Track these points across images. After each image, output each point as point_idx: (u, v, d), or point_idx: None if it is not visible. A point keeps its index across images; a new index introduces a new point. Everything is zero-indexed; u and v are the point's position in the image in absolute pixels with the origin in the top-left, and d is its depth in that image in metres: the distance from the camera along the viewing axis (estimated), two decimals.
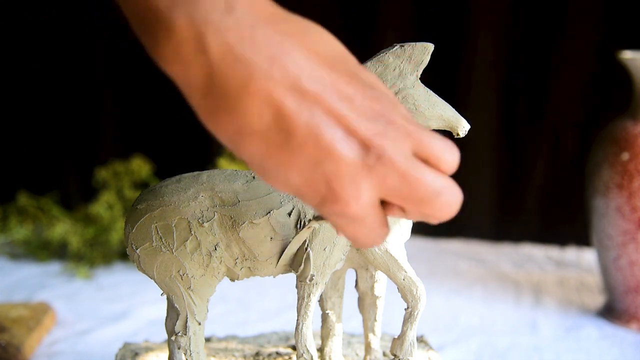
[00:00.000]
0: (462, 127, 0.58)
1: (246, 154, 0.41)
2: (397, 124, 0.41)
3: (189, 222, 0.59)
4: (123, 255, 1.20)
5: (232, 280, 0.63)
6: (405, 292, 0.61)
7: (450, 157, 0.43)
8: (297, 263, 0.61)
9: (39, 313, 0.92)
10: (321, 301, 0.66)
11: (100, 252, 1.19)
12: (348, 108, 0.40)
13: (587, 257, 1.22)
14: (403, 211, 0.43)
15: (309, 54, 0.40)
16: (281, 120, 0.39)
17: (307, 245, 0.60)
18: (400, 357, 0.62)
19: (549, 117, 1.32)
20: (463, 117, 0.58)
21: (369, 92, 0.41)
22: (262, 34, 0.39)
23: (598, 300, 1.02)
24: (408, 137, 0.41)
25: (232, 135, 0.40)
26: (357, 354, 0.70)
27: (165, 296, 0.62)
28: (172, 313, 0.61)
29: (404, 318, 0.62)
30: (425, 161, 0.42)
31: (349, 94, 0.40)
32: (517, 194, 1.37)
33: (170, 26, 0.38)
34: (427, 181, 0.41)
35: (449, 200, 0.42)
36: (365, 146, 0.40)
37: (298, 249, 0.60)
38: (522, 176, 1.36)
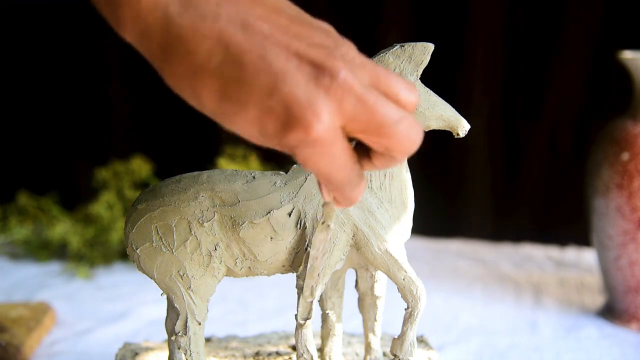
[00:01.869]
0: (463, 127, 0.58)
1: (204, 98, 0.42)
2: (350, 55, 0.42)
3: (189, 222, 0.59)
4: (123, 255, 1.20)
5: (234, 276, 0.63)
6: (405, 292, 0.61)
7: (407, 94, 0.43)
8: (297, 263, 0.61)
9: (39, 313, 0.92)
10: (321, 301, 0.66)
11: (100, 252, 1.19)
12: (297, 40, 0.41)
13: (587, 257, 1.22)
14: (368, 155, 0.44)
15: (255, 2, 0.42)
16: (231, 55, 0.41)
17: (307, 245, 0.60)
18: (400, 357, 0.62)
19: (549, 117, 1.32)
20: (463, 117, 0.58)
21: (320, 32, 0.42)
22: None
23: (598, 300, 1.02)
24: (363, 68, 0.42)
25: (190, 81, 0.41)
26: (357, 354, 0.70)
27: (165, 296, 0.62)
28: (172, 313, 0.61)
29: (404, 318, 0.62)
30: (383, 95, 0.42)
31: (298, 31, 0.42)
32: (517, 194, 1.37)
33: None
34: (386, 109, 0.42)
35: (408, 130, 0.42)
36: (318, 67, 0.41)
37: (298, 249, 0.60)
38: (522, 176, 1.36)
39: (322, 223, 0.49)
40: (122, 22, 0.42)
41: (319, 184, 0.45)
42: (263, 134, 0.42)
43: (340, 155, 0.42)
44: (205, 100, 0.42)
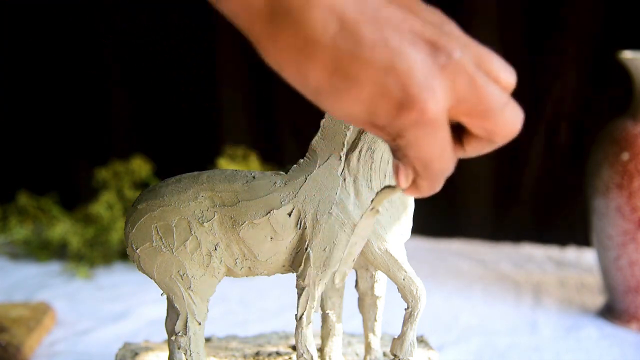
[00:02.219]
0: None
1: (312, 73, 0.39)
2: (456, 34, 0.41)
3: (189, 222, 0.59)
4: (123, 255, 1.20)
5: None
6: (405, 292, 0.61)
7: (508, 75, 0.42)
8: (297, 263, 0.61)
9: (39, 313, 0.92)
10: (321, 301, 0.66)
11: (100, 252, 1.19)
12: (411, 17, 0.40)
13: (587, 257, 1.22)
14: (460, 141, 0.42)
15: None
16: (347, 27, 0.38)
17: (307, 245, 0.60)
18: (400, 357, 0.62)
19: (550, 117, 1.32)
20: None
21: (428, 11, 0.41)
22: None
23: (598, 300, 1.02)
24: (469, 47, 0.41)
25: (297, 54, 0.39)
26: (357, 354, 0.70)
27: (165, 296, 0.62)
28: (172, 313, 0.61)
29: (404, 318, 0.62)
30: (487, 76, 0.41)
31: (410, 7, 0.41)
32: (517, 194, 1.37)
33: None
34: (494, 92, 0.41)
35: (513, 115, 0.41)
36: (434, 46, 0.39)
37: (298, 249, 0.60)
38: (523, 176, 1.36)
39: (372, 209, 0.47)
40: None
41: (398, 167, 0.43)
42: (371, 114, 0.40)
43: (446, 140, 0.41)
44: (313, 75, 0.39)
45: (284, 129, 1.43)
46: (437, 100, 0.39)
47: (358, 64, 0.39)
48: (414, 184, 0.43)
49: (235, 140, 1.36)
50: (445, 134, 0.41)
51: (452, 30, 0.41)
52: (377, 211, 0.47)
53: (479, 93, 0.40)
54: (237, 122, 1.45)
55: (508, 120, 0.41)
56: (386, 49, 0.39)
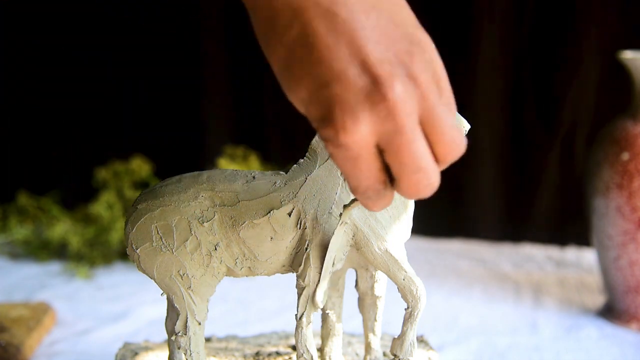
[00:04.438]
0: (462, 127, 0.58)
1: (272, 58, 0.44)
2: (418, 81, 0.42)
3: (189, 222, 0.59)
4: (123, 255, 1.20)
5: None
6: (406, 292, 0.61)
7: (450, 149, 0.43)
8: (297, 263, 0.61)
9: (39, 313, 0.92)
10: None
11: (100, 252, 1.19)
12: (374, 44, 0.41)
13: (587, 257, 1.22)
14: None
15: None
16: (304, 36, 0.41)
17: (307, 245, 0.60)
18: (400, 357, 0.62)
19: (552, 117, 1.32)
20: (465, 117, 0.58)
21: (406, 43, 0.42)
22: None
23: (598, 300, 1.02)
24: (423, 99, 0.41)
25: (265, 39, 0.43)
26: (357, 354, 0.70)
27: (165, 296, 0.62)
28: (172, 313, 0.61)
29: (404, 318, 0.61)
30: (426, 134, 0.42)
31: (380, 35, 0.42)
32: (517, 193, 1.37)
33: None
34: (416, 150, 0.42)
35: (423, 182, 0.42)
36: (376, 82, 0.41)
37: (298, 249, 0.60)
38: (523, 176, 1.36)
39: (342, 223, 0.50)
40: None
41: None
42: (307, 113, 0.43)
43: (365, 166, 0.42)
44: (272, 59, 0.44)
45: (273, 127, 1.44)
46: (354, 131, 0.41)
47: (303, 69, 0.42)
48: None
49: (235, 140, 1.36)
50: (365, 161, 0.42)
51: (421, 76, 0.42)
52: (346, 223, 0.49)
53: (401, 143, 0.41)
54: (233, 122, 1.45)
55: (413, 184, 0.43)
56: (329, 68, 0.41)
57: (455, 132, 0.43)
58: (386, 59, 0.41)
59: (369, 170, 0.43)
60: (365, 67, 0.41)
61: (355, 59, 0.41)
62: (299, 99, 0.43)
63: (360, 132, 0.41)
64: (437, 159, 0.43)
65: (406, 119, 0.41)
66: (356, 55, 0.41)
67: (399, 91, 0.40)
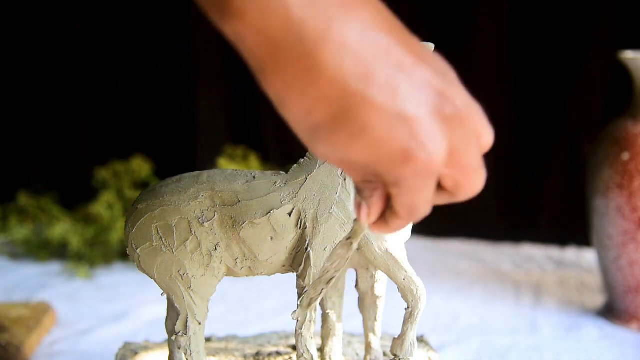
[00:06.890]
0: None
1: (314, 109, 0.38)
2: (457, 84, 0.40)
3: (189, 221, 0.59)
4: (123, 255, 1.20)
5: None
6: (406, 292, 0.61)
7: (489, 135, 0.42)
8: (297, 263, 0.61)
9: (39, 313, 0.92)
10: (321, 301, 0.65)
11: (100, 252, 1.19)
12: (420, 62, 0.39)
13: (587, 257, 1.22)
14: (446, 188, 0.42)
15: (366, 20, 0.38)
16: (360, 65, 0.37)
17: (307, 245, 0.60)
18: (401, 357, 0.62)
19: (552, 117, 1.32)
20: None
21: (434, 58, 0.40)
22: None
23: (598, 300, 1.02)
24: (466, 100, 0.41)
25: (303, 86, 0.38)
26: (357, 354, 0.70)
27: (165, 296, 0.62)
28: (172, 313, 0.61)
29: (404, 318, 0.62)
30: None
31: (418, 52, 0.39)
32: (517, 193, 1.37)
33: None
34: (476, 149, 0.41)
35: (481, 178, 0.42)
36: (442, 95, 0.39)
37: (299, 249, 0.60)
38: (522, 176, 1.36)
39: (347, 239, 0.46)
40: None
41: (360, 206, 0.42)
42: (374, 160, 0.38)
43: (433, 189, 0.40)
44: (316, 110, 0.38)
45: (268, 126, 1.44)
46: (441, 152, 0.38)
47: (367, 106, 0.37)
48: (385, 222, 0.42)
49: (235, 140, 1.36)
50: (434, 183, 0.40)
51: (453, 79, 0.41)
52: (352, 244, 0.46)
53: (468, 148, 0.40)
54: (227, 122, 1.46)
55: (478, 181, 0.41)
56: (397, 94, 0.37)
57: (486, 121, 0.42)
58: (437, 73, 0.39)
59: (434, 189, 0.41)
60: (427, 84, 0.38)
61: (415, 80, 0.38)
62: (362, 145, 0.38)
63: (443, 151, 0.39)
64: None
65: (468, 122, 0.40)
66: (414, 76, 0.38)
67: (461, 100, 0.39)
